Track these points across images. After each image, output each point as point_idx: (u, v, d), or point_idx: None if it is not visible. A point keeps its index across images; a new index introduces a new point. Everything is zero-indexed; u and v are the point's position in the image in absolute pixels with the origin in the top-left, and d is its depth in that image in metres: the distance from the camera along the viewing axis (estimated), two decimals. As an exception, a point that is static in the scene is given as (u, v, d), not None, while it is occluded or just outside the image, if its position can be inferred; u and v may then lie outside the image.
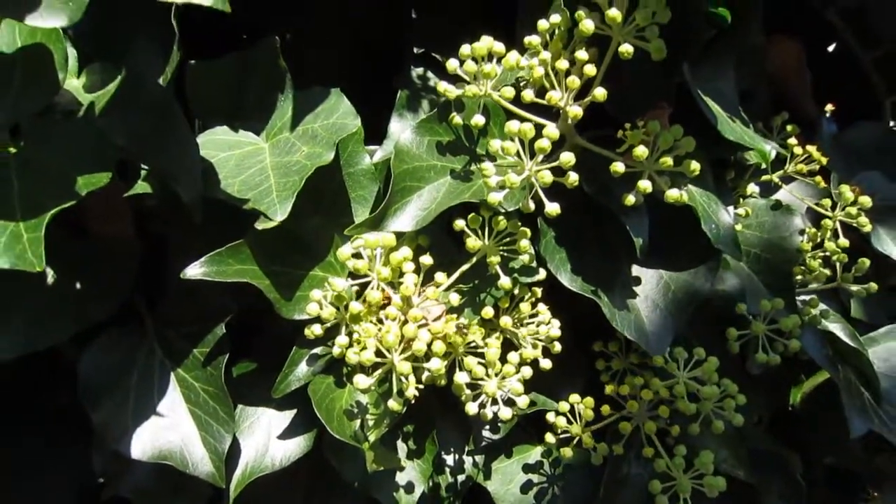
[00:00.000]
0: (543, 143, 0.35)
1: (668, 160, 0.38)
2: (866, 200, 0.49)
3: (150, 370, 0.43)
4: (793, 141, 0.52)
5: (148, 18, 0.43)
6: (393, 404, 0.36)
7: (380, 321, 0.36)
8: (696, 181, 0.44)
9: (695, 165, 0.39)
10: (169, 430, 0.42)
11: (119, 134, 0.37)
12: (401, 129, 0.45)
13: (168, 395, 0.43)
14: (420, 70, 0.48)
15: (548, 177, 0.35)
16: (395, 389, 0.36)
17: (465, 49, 0.39)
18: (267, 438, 0.45)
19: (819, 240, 0.51)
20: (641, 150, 0.38)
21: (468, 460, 0.50)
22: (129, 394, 0.42)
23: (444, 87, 0.39)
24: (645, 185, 0.38)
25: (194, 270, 0.37)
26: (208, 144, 0.42)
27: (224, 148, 0.42)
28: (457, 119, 0.40)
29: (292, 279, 0.41)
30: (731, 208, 0.47)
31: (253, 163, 0.41)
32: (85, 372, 0.42)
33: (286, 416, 0.46)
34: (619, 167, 0.38)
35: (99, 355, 0.42)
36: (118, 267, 0.43)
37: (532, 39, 0.38)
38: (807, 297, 0.51)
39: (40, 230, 0.29)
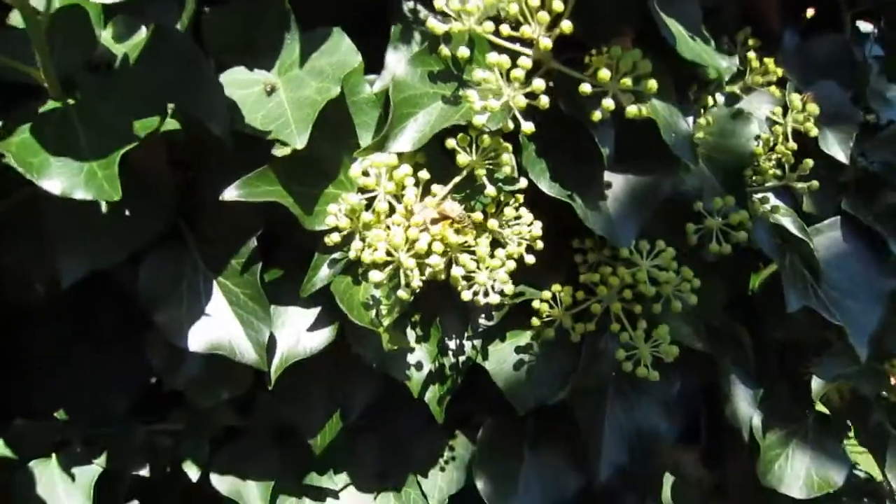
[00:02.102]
0: (518, 73, 0.41)
1: (627, 81, 0.44)
2: (813, 108, 0.56)
3: (196, 279, 0.51)
4: (752, 55, 0.58)
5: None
6: (402, 294, 0.44)
7: (387, 227, 0.44)
8: (660, 96, 0.51)
9: (652, 84, 0.45)
10: (217, 328, 0.50)
11: (153, 81, 0.43)
12: (396, 60, 0.51)
13: (213, 299, 0.51)
14: (411, 4, 0.54)
15: (522, 101, 0.42)
16: (402, 282, 0.44)
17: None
18: (298, 331, 0.54)
19: (772, 144, 0.57)
20: (604, 73, 0.44)
21: (468, 344, 0.59)
22: (181, 299, 0.50)
23: (432, 23, 0.45)
24: (608, 103, 0.44)
25: (231, 193, 0.45)
26: (229, 84, 0.48)
27: (244, 86, 0.48)
28: (445, 51, 0.46)
29: (311, 197, 0.48)
30: (690, 119, 0.53)
31: (270, 98, 0.47)
32: (144, 283, 0.50)
33: (313, 313, 0.54)
34: (586, 88, 0.45)
35: (154, 270, 0.50)
36: (158, 194, 0.50)
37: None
38: (761, 195, 0.59)
39: (113, 167, 0.37)
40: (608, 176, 0.53)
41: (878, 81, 0.65)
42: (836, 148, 0.58)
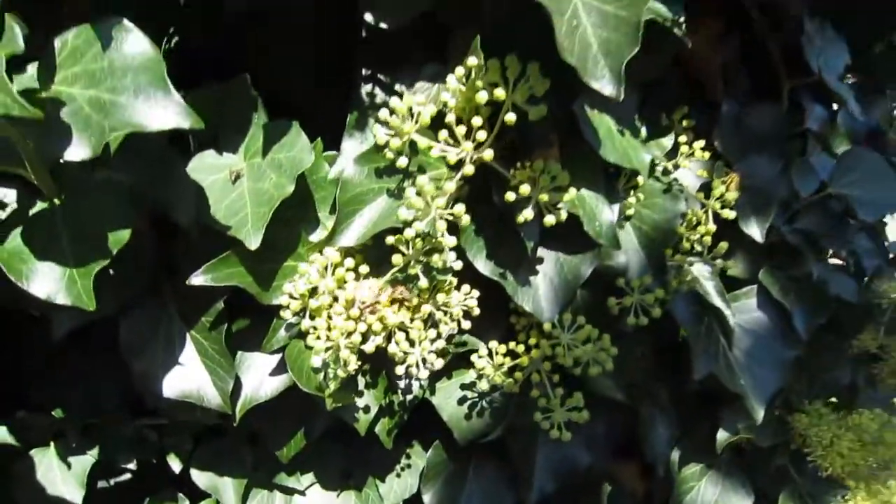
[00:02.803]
0: (440, 202, 0.47)
1: (544, 197, 0.50)
2: (732, 196, 0.61)
3: (171, 332, 0.59)
4: (682, 139, 0.63)
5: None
6: (340, 373, 0.51)
7: (329, 317, 0.51)
8: (587, 185, 0.57)
9: (570, 195, 0.51)
10: (188, 376, 0.58)
11: (128, 176, 0.49)
12: (351, 147, 0.57)
13: (186, 350, 0.58)
14: (368, 87, 0.59)
15: (443, 226, 0.48)
16: (341, 364, 0.51)
17: (395, 102, 0.50)
18: (261, 376, 0.61)
19: (695, 223, 0.63)
20: (525, 189, 0.50)
21: (416, 384, 0.66)
22: (157, 350, 0.58)
23: (376, 131, 0.50)
24: (527, 214, 0.50)
25: (197, 279, 0.52)
26: (199, 169, 0.54)
27: (212, 171, 0.54)
28: (388, 154, 0.52)
29: (269, 273, 0.55)
30: (615, 206, 0.59)
31: (234, 187, 0.53)
32: (124, 335, 0.57)
33: (275, 359, 0.61)
34: (510, 196, 0.50)
35: (134, 323, 0.58)
36: (141, 255, 0.57)
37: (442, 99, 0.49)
38: (690, 263, 0.64)
39: (89, 279, 0.43)
40: (541, 252, 0.59)
41: (812, 152, 0.70)
42: (754, 226, 0.63)
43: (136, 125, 0.39)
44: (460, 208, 0.48)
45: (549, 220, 0.51)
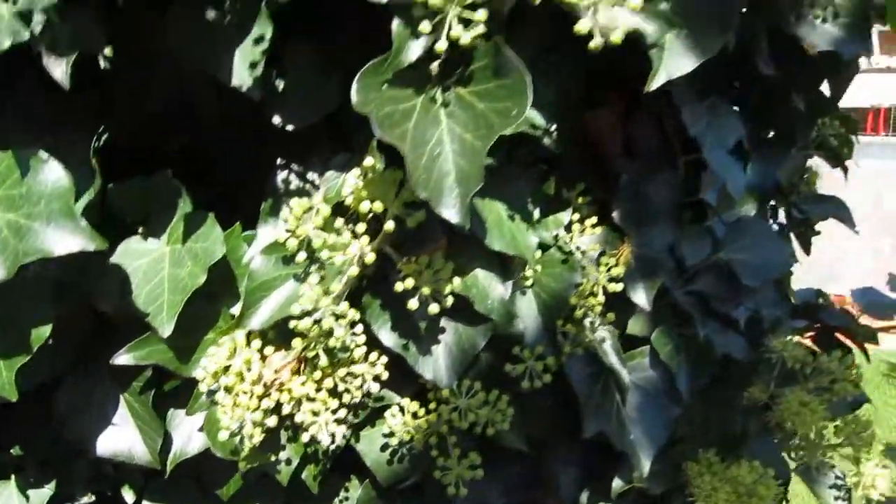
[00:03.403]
0: (326, 301, 0.53)
1: (426, 290, 0.56)
2: (617, 271, 0.67)
3: (105, 396, 0.65)
4: (575, 217, 0.68)
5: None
6: (247, 443, 0.58)
7: (236, 395, 0.57)
8: (482, 264, 0.63)
9: (455, 283, 0.57)
10: (120, 436, 0.64)
11: (55, 269, 0.55)
12: (265, 233, 0.62)
13: (119, 412, 0.65)
14: (284, 174, 0.64)
15: (330, 321, 0.54)
16: (247, 436, 0.57)
17: (294, 202, 0.56)
18: (190, 432, 0.67)
19: (587, 293, 0.69)
20: (409, 282, 0.56)
21: (339, 432, 0.73)
22: (92, 413, 0.64)
23: (279, 233, 0.56)
24: (413, 304, 0.56)
25: (120, 358, 0.58)
26: (124, 254, 0.60)
27: (136, 256, 0.60)
28: (291, 245, 0.58)
29: (190, 348, 0.61)
30: (509, 284, 0.64)
31: (155, 272, 0.59)
32: (60, 399, 0.64)
33: (202, 415, 0.68)
34: (398, 287, 0.56)
35: (71, 387, 0.64)
36: (75, 331, 0.63)
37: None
38: (592, 324, 0.70)
39: (12, 372, 0.49)
40: (444, 322, 0.65)
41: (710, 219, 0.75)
42: (641, 294, 0.69)
43: (45, 251, 0.45)
44: (344, 306, 0.54)
45: (433, 308, 0.57)
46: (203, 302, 0.61)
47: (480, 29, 0.46)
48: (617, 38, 0.45)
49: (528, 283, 0.68)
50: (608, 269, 0.68)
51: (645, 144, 0.74)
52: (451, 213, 0.46)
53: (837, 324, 0.91)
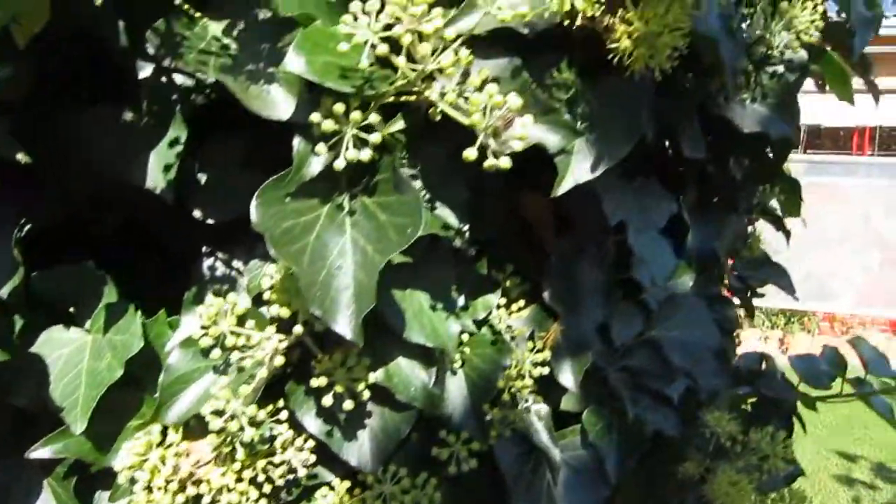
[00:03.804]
0: (236, 403, 0.54)
1: (339, 388, 0.56)
2: (542, 356, 0.67)
3: (31, 482, 0.65)
4: (501, 301, 0.69)
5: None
6: (164, 540, 0.58)
7: (150, 491, 0.57)
8: (404, 353, 0.63)
9: (368, 378, 0.58)
10: (45, 522, 0.65)
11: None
12: (189, 322, 0.63)
13: (42, 496, 0.65)
14: (210, 262, 0.65)
15: (242, 422, 0.54)
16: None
17: (210, 300, 0.56)
18: (118, 514, 0.68)
19: (515, 376, 0.69)
20: (322, 381, 0.56)
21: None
22: (18, 499, 0.64)
23: (195, 335, 0.57)
24: (327, 401, 0.57)
25: (36, 453, 0.58)
26: (45, 344, 0.61)
27: (58, 346, 0.61)
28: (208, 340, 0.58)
29: (110, 436, 0.61)
30: (432, 370, 0.65)
31: (75, 363, 0.60)
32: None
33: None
34: (313, 383, 0.57)
35: (-6, 474, 0.64)
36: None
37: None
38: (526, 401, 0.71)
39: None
40: (370, 406, 0.66)
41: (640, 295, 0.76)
42: (569, 377, 0.70)
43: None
44: (252, 409, 0.54)
45: (348, 405, 0.57)
46: (126, 389, 0.61)
47: (374, 148, 0.47)
48: (518, 149, 0.46)
49: (458, 364, 0.69)
50: (535, 352, 0.68)
51: (579, 223, 0.75)
52: (345, 329, 0.47)
53: (776, 394, 0.92)
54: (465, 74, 0.51)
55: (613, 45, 0.49)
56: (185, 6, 0.49)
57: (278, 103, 0.47)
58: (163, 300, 0.65)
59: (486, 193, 0.65)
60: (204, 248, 0.64)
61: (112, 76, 0.55)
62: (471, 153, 0.44)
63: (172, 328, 0.64)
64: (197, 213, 0.60)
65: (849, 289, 5.90)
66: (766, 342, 5.84)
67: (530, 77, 0.54)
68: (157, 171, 0.54)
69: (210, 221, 0.60)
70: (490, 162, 0.46)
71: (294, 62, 0.44)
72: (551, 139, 0.51)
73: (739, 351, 1.01)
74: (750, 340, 5.55)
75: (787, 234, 1.01)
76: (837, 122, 5.98)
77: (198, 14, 0.49)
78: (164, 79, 0.53)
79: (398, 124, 0.52)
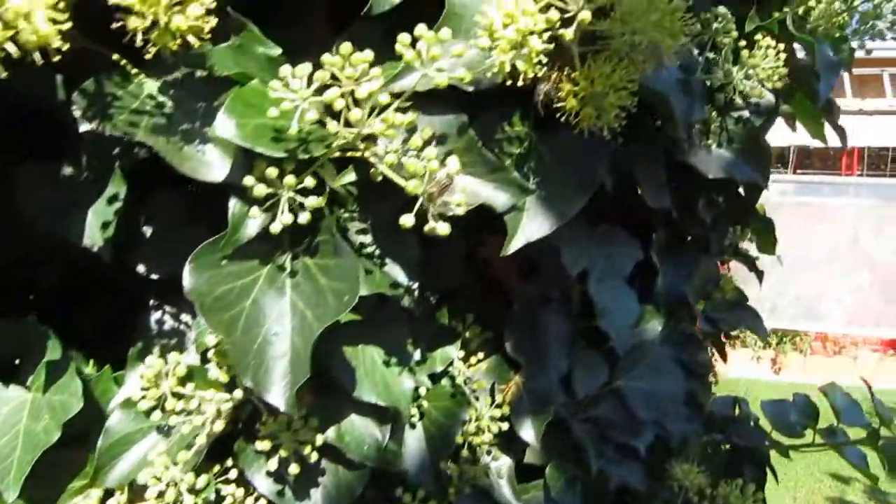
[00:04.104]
0: (174, 470, 0.52)
1: (284, 452, 0.54)
2: (504, 410, 0.65)
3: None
4: (460, 354, 0.67)
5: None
6: None
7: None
8: (356, 409, 0.61)
9: (327, 435, 0.56)
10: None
11: None
12: (133, 378, 0.61)
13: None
14: (158, 315, 0.63)
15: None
16: None
17: (150, 360, 0.54)
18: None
19: (474, 430, 0.67)
20: (265, 444, 0.54)
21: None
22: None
23: (134, 397, 0.55)
24: (272, 465, 0.55)
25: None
26: (-14, 402, 0.58)
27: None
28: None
29: (51, 499, 0.59)
30: (387, 427, 0.63)
31: (12, 423, 0.57)
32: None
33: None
34: (257, 446, 0.55)
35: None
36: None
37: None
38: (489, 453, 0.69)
39: None
40: (325, 463, 0.63)
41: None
42: (530, 432, 0.68)
43: None
44: (191, 477, 0.52)
45: (293, 469, 0.55)
46: (66, 449, 0.59)
47: (314, 210, 0.45)
48: (460, 213, 0.45)
49: (416, 417, 0.67)
50: (495, 406, 0.66)
51: (543, 269, 0.74)
52: (279, 401, 0.45)
53: (748, 442, 0.90)
54: (412, 131, 0.50)
55: (560, 105, 0.48)
56: (123, 62, 0.47)
57: (212, 164, 0.46)
58: (111, 353, 0.63)
59: (444, 242, 0.64)
60: (151, 301, 0.63)
61: (51, 130, 0.54)
62: (407, 220, 0.43)
63: (119, 384, 0.62)
64: (141, 268, 0.58)
65: (839, 308, 5.90)
66: (759, 362, 5.81)
67: (479, 132, 0.53)
68: (94, 229, 0.53)
69: (154, 276, 0.58)
70: (430, 226, 0.44)
71: (223, 126, 0.42)
72: (499, 198, 0.50)
73: (732, 369, 1.00)
74: (742, 361, 5.52)
75: (760, 275, 1.00)
76: (826, 144, 6.00)
77: (135, 70, 0.47)
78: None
79: (347, 177, 0.50)
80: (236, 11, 0.54)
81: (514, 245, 0.53)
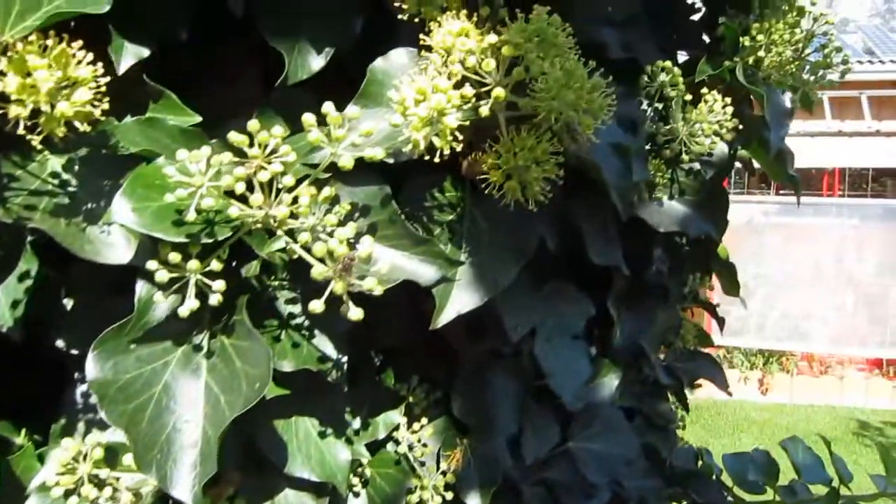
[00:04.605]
0: None
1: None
2: (450, 478, 0.63)
3: None
4: (402, 420, 0.65)
5: None
6: None
7: None
8: (290, 484, 0.58)
9: None
10: None
11: None
12: (55, 457, 0.58)
13: None
14: (83, 388, 0.60)
15: None
16: None
17: (66, 442, 0.52)
18: None
19: (417, 500, 0.65)
20: None
21: None
22: None
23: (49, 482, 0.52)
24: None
25: None
26: None
27: None
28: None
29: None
30: (324, 500, 0.60)
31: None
32: None
33: None
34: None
35: None
36: None
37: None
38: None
39: None
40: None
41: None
42: (476, 500, 0.65)
43: None
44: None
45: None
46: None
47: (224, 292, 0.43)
48: (377, 294, 0.43)
49: (359, 486, 0.64)
50: (440, 473, 0.64)
51: (492, 327, 0.72)
52: (186, 496, 0.42)
53: (707, 500, 0.87)
54: (336, 201, 0.48)
55: (483, 177, 0.46)
56: (28, 137, 0.45)
57: (117, 246, 0.43)
58: (41, 425, 0.60)
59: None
60: (76, 375, 0.60)
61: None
62: (316, 306, 0.41)
63: (42, 461, 0.59)
64: (59, 343, 0.56)
65: (824, 328, 5.92)
66: (746, 383, 5.80)
67: (407, 200, 0.51)
68: (4, 308, 0.50)
69: (74, 352, 0.56)
70: (343, 309, 0.42)
71: (119, 211, 0.40)
72: (425, 272, 0.48)
73: (719, 391, 0.98)
74: (729, 382, 5.50)
75: (721, 322, 0.99)
76: (805, 165, 6.05)
77: (40, 146, 0.45)
78: None
79: (276, 244, 0.48)
80: (166, 73, 0.53)
81: (443, 319, 0.51)
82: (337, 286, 0.40)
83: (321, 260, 0.42)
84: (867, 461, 4.00)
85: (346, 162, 0.39)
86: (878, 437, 4.67)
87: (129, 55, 0.49)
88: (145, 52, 0.50)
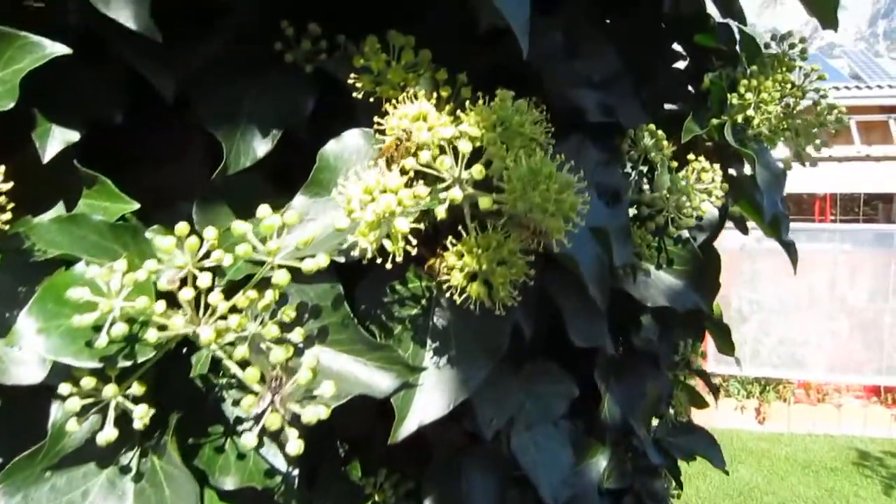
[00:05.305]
0: None
1: None
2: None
3: None
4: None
5: None
6: None
7: None
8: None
9: None
10: None
11: None
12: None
13: None
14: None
15: None
16: None
17: None
18: None
19: None
20: None
21: None
22: None
23: None
24: None
25: None
26: None
27: None
28: None
29: None
30: None
31: None
32: None
33: None
34: None
35: None
36: None
37: None
38: None
39: None
40: None
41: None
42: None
43: None
44: None
45: None
46: None
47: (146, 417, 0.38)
48: (325, 415, 0.38)
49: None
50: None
51: (467, 411, 0.66)
52: None
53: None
54: (283, 301, 0.43)
55: (445, 278, 0.41)
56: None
57: (28, 364, 0.38)
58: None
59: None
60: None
61: None
62: (249, 440, 0.35)
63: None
64: None
65: (820, 355, 5.87)
66: (743, 412, 5.72)
67: (365, 295, 0.46)
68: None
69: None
70: (284, 434, 0.37)
71: (24, 332, 0.35)
72: (381, 381, 0.43)
73: (716, 420, 0.92)
74: (726, 411, 5.44)
75: (716, 391, 0.93)
76: (797, 190, 6.05)
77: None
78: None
79: (201, 365, 0.43)
80: (107, 154, 0.48)
81: (403, 432, 0.45)
82: (270, 420, 0.34)
83: (259, 381, 0.36)
84: (869, 493, 3.92)
85: (281, 279, 0.34)
86: (879, 467, 4.59)
87: (56, 141, 0.44)
88: (75, 137, 0.45)
